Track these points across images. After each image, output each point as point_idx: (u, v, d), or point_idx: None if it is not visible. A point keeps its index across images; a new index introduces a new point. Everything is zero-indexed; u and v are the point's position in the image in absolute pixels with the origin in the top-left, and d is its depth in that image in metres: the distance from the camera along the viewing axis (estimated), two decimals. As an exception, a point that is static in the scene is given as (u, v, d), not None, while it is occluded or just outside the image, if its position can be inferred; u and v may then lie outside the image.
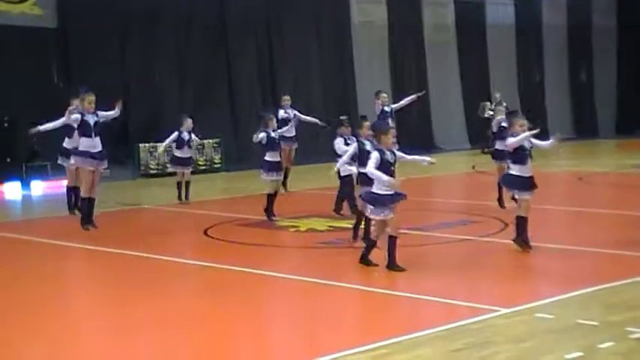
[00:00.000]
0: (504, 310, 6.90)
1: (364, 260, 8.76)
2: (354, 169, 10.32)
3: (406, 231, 10.99)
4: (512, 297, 7.36)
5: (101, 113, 11.20)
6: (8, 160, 17.05)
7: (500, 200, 12.35)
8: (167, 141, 14.63)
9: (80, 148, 11.17)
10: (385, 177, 8.46)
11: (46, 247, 10.81)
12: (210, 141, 19.81)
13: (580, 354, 5.75)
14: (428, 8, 25.58)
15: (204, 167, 19.53)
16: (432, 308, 7.32)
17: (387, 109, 14.86)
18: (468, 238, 10.42)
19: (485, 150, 24.24)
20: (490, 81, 26.76)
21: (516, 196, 9.64)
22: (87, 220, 11.16)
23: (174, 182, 14.57)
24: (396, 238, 8.55)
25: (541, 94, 28.27)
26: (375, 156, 8.54)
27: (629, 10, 29.79)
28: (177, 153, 14.43)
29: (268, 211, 12.17)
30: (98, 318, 7.33)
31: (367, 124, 10.07)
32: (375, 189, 8.60)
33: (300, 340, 6.61)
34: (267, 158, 12.13)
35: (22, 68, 17.46)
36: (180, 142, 14.31)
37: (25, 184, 16.79)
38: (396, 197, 8.55)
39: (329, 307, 7.52)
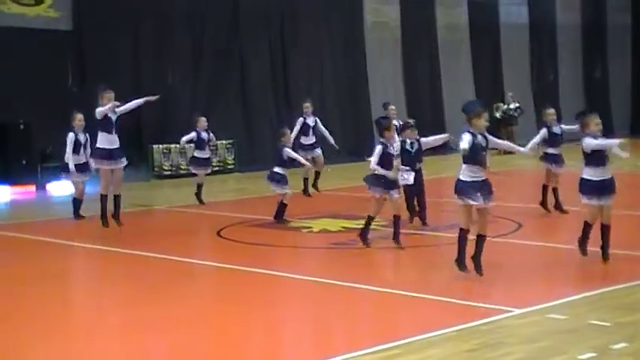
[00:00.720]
0: (517, 311, 6.91)
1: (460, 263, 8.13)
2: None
3: (419, 232, 11.02)
4: (524, 298, 7.36)
5: (120, 109, 11.41)
6: (24, 162, 17.18)
7: (544, 203, 12.05)
8: (185, 138, 14.35)
9: (98, 145, 11.45)
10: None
11: (59, 247, 10.88)
12: (224, 142, 19.87)
13: (592, 355, 5.75)
14: (441, 8, 25.54)
15: (217, 168, 19.56)
16: (444, 309, 7.32)
17: (395, 122, 14.38)
18: (480, 238, 10.40)
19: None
20: (503, 80, 26.70)
21: (583, 201, 8.74)
22: (104, 217, 11.43)
23: (189, 183, 14.59)
24: (466, 231, 8.11)
25: (555, 93, 28.13)
26: (467, 138, 7.87)
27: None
28: (198, 154, 14.35)
29: (278, 217, 12.09)
30: (109, 318, 7.37)
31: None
32: (462, 176, 8.01)
33: (312, 341, 6.64)
34: (276, 170, 12.10)
35: (37, 70, 17.55)
36: (200, 143, 14.22)
37: (41, 186, 16.92)
38: (483, 185, 7.92)
39: (341, 308, 7.54)
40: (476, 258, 8.09)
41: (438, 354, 5.90)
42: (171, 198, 15.84)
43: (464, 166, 8.02)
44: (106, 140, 11.40)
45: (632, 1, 30.25)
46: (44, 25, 18.18)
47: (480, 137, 7.97)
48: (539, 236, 10.77)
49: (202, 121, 14.33)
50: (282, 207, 12.04)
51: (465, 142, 7.85)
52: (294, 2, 22.35)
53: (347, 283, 8.21)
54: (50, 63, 17.90)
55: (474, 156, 7.89)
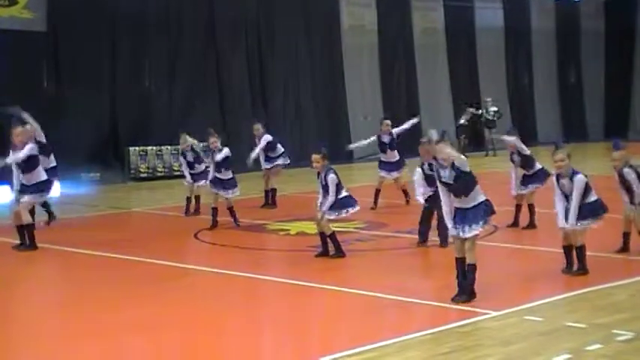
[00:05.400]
0: (493, 313, 6.95)
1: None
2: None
3: (396, 234, 11.05)
4: (501, 300, 7.40)
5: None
6: (-2, 164, 16.97)
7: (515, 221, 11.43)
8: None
9: (41, 180, 10.78)
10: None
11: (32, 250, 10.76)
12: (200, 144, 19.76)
13: (568, 356, 5.80)
14: (417, 12, 25.66)
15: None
16: (421, 311, 7.35)
17: (385, 139, 13.70)
18: (457, 241, 10.43)
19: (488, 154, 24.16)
20: (479, 84, 26.88)
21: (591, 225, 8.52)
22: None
23: (166, 185, 14.43)
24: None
25: (530, 97, 28.40)
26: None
27: (616, 14, 29.95)
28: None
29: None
30: (86, 321, 7.30)
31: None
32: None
33: (289, 344, 6.63)
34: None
35: (11, 72, 17.41)
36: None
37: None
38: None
39: (318, 310, 7.54)
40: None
41: (414, 356, 5.91)
42: (148, 200, 15.75)
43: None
44: (43, 172, 10.73)
45: (605, 8, 30.60)
46: (18, 27, 18.01)
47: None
48: (516, 239, 10.82)
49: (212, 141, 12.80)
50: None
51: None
52: (271, 6, 22.33)
53: (324, 285, 8.22)
54: (25, 64, 17.75)
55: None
